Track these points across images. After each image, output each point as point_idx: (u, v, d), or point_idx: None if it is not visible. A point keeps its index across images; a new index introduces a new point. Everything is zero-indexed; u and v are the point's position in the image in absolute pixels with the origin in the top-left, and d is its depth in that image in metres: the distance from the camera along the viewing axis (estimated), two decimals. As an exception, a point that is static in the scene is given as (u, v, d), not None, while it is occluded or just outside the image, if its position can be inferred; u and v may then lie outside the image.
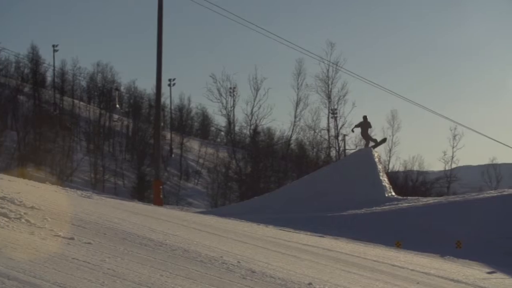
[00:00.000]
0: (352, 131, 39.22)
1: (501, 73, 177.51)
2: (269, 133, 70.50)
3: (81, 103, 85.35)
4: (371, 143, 34.57)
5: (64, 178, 56.42)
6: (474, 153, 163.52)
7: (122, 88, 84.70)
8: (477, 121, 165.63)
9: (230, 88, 68.39)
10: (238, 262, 9.52)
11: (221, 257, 9.67)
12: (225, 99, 67.63)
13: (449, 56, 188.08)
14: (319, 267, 11.10)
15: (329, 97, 66.06)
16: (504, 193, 28.96)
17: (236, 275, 8.63)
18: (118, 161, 71.35)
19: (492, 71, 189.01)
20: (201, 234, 12.29)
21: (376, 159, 35.65)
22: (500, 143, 31.28)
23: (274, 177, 62.69)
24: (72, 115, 77.90)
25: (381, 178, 34.65)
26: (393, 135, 71.96)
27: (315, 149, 69.39)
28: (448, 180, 72.62)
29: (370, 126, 34.29)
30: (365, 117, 33.66)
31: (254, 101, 65.70)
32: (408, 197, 33.80)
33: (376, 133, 70.65)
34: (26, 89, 77.54)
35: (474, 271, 16.84)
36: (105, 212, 12.37)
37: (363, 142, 35.10)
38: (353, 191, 31.20)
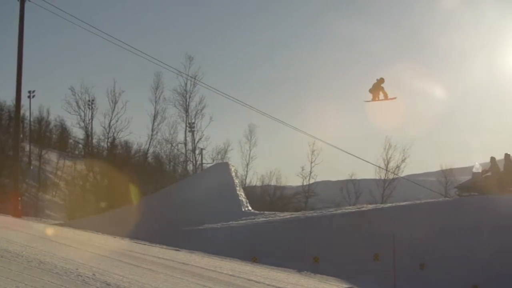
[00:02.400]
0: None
1: (355, 88, 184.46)
2: (127, 146, 70.29)
3: None
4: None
5: None
6: (333, 169, 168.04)
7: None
8: (336, 137, 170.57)
9: (89, 100, 68.16)
10: (93, 274, 9.66)
11: (77, 269, 9.78)
12: (83, 111, 67.68)
13: (307, 70, 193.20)
14: (174, 281, 11.26)
15: (186, 110, 67.32)
16: (363, 208, 30.12)
17: (91, 287, 8.75)
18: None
19: (347, 86, 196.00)
20: (58, 246, 12.22)
21: (233, 173, 36.28)
22: (359, 158, 32.37)
23: (132, 190, 62.37)
24: None
25: (238, 192, 35.29)
26: (250, 150, 73.25)
27: (172, 163, 69.75)
28: (306, 195, 74.39)
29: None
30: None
31: (112, 114, 66.55)
32: (265, 212, 34.51)
33: (233, 147, 71.91)
34: None
35: (331, 286, 17.48)
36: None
37: None
38: (210, 205, 31.58)
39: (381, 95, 30.60)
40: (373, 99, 30.68)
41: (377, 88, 30.41)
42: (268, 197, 70.11)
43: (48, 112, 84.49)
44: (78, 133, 75.22)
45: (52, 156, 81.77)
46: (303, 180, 76.43)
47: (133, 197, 42.69)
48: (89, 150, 72.11)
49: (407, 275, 21.31)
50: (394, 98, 31.12)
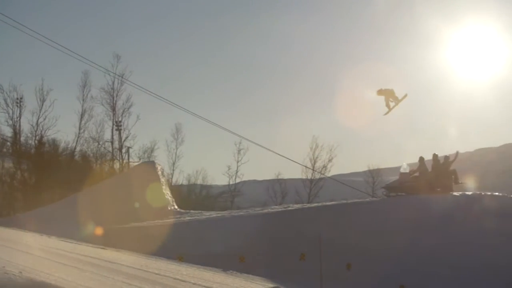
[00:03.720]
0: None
1: (283, 87, 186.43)
2: (54, 144, 69.54)
3: None
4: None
5: None
6: (259, 168, 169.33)
7: None
8: (263, 136, 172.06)
9: (17, 98, 67.11)
10: (20, 272, 9.59)
11: (4, 266, 9.73)
12: (12, 109, 66.40)
13: (235, 69, 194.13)
14: (101, 279, 11.30)
15: (113, 109, 66.86)
16: (289, 208, 30.41)
17: (18, 285, 8.68)
18: None
19: (276, 85, 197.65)
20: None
21: (159, 172, 36.30)
22: (286, 158, 32.75)
23: (59, 188, 61.91)
24: None
25: (164, 191, 35.36)
26: (177, 149, 73.20)
27: (99, 161, 69.37)
28: (232, 194, 74.82)
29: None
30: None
31: (40, 112, 65.45)
32: (191, 211, 34.66)
33: (160, 146, 72.03)
34: None
35: (257, 286, 17.60)
36: None
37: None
38: (136, 204, 31.53)
39: (392, 103, 31.34)
40: (389, 110, 31.57)
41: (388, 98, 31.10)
42: (195, 196, 70.37)
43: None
44: (6, 130, 74.23)
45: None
46: (230, 179, 76.83)
47: (60, 195, 42.38)
48: (17, 148, 71.08)
49: (333, 275, 21.33)
50: (405, 95, 31.91)
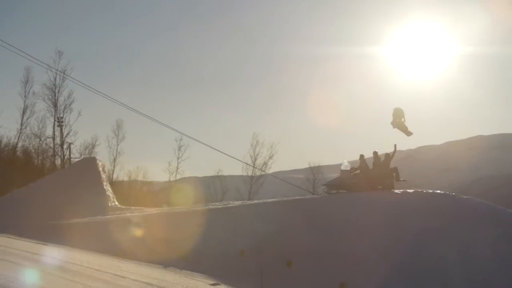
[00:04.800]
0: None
1: (224, 83, 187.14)
2: (-4, 140, 69.03)
3: None
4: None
5: None
6: (200, 165, 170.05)
7: None
8: (203, 133, 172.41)
9: (-42, 95, 66.74)
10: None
11: None
12: (-47, 106, 66.15)
13: (176, 65, 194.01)
14: (41, 275, 11.39)
15: (55, 105, 66.93)
16: (229, 205, 30.59)
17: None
18: None
19: (211, 85, 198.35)
20: None
21: (100, 168, 36.25)
22: (226, 154, 33.00)
23: (0, 184, 61.44)
24: None
25: (105, 187, 35.36)
26: (118, 145, 73.04)
27: (40, 157, 68.99)
28: (172, 190, 74.84)
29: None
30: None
31: None
32: (132, 207, 34.71)
33: (101, 142, 71.99)
34: None
35: (197, 283, 17.86)
36: None
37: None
38: (77, 199, 31.52)
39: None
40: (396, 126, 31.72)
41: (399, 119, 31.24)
42: (135, 192, 70.28)
43: None
44: None
45: None
46: (170, 175, 76.90)
47: (2, 191, 42.05)
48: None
49: (274, 272, 21.51)
50: (411, 133, 32.18)
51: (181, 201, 60.97)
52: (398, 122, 31.13)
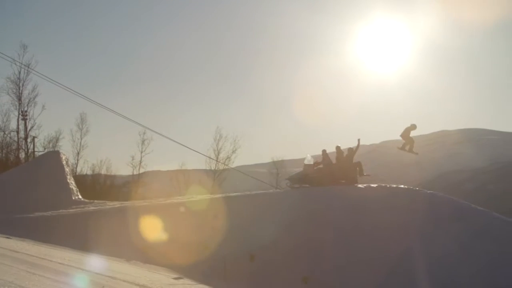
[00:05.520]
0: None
1: (188, 77, 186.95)
2: (-41, 134, 68.64)
3: None
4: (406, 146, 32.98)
5: None
6: (163, 158, 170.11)
7: None
8: (167, 127, 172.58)
9: None
10: None
11: None
12: None
13: (140, 59, 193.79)
14: (4, 268, 11.44)
15: (19, 99, 66.83)
16: (192, 199, 30.65)
17: None
18: None
19: (175, 78, 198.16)
20: None
21: (64, 162, 36.23)
22: (189, 148, 33.20)
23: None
24: None
25: (68, 181, 35.35)
26: (81, 139, 72.91)
27: (4, 151, 68.78)
28: (136, 184, 74.79)
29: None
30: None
31: None
32: (95, 201, 34.76)
33: (65, 136, 71.89)
34: None
35: (161, 276, 17.98)
36: None
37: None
38: (41, 193, 31.51)
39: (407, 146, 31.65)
40: (402, 148, 31.88)
41: (407, 134, 31.42)
42: (99, 186, 70.18)
43: None
44: None
45: None
46: (134, 169, 76.78)
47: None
48: None
49: (237, 266, 21.81)
50: (416, 153, 32.39)
51: (145, 195, 61.01)
52: (407, 135, 31.71)
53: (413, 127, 31.44)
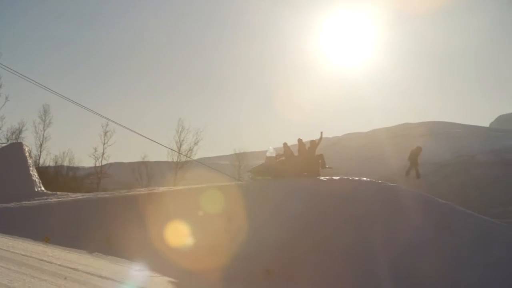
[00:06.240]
0: None
1: (147, 73, 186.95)
2: None
3: None
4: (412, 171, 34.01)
5: None
6: (126, 150, 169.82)
7: None
8: (129, 118, 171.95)
9: None
10: None
11: None
12: None
13: (104, 50, 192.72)
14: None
15: None
16: (154, 191, 30.76)
17: None
18: None
19: (138, 70, 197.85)
20: None
21: (27, 154, 36.20)
22: (151, 140, 33.26)
23: None
24: None
25: (31, 172, 35.33)
26: (44, 130, 72.74)
27: (-33, 143, 68.45)
28: (98, 176, 74.80)
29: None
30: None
31: None
32: (58, 193, 34.76)
33: (27, 127, 71.70)
34: None
35: (123, 268, 18.12)
36: None
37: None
38: (3, 184, 31.47)
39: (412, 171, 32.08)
40: (406, 173, 32.30)
41: (415, 158, 31.77)
42: (61, 177, 70.05)
43: None
44: None
45: None
46: (96, 161, 76.65)
47: None
48: None
49: (198, 258, 21.84)
50: (419, 177, 32.80)
51: (108, 186, 60.96)
52: (415, 159, 32.25)
53: (419, 149, 32.26)
